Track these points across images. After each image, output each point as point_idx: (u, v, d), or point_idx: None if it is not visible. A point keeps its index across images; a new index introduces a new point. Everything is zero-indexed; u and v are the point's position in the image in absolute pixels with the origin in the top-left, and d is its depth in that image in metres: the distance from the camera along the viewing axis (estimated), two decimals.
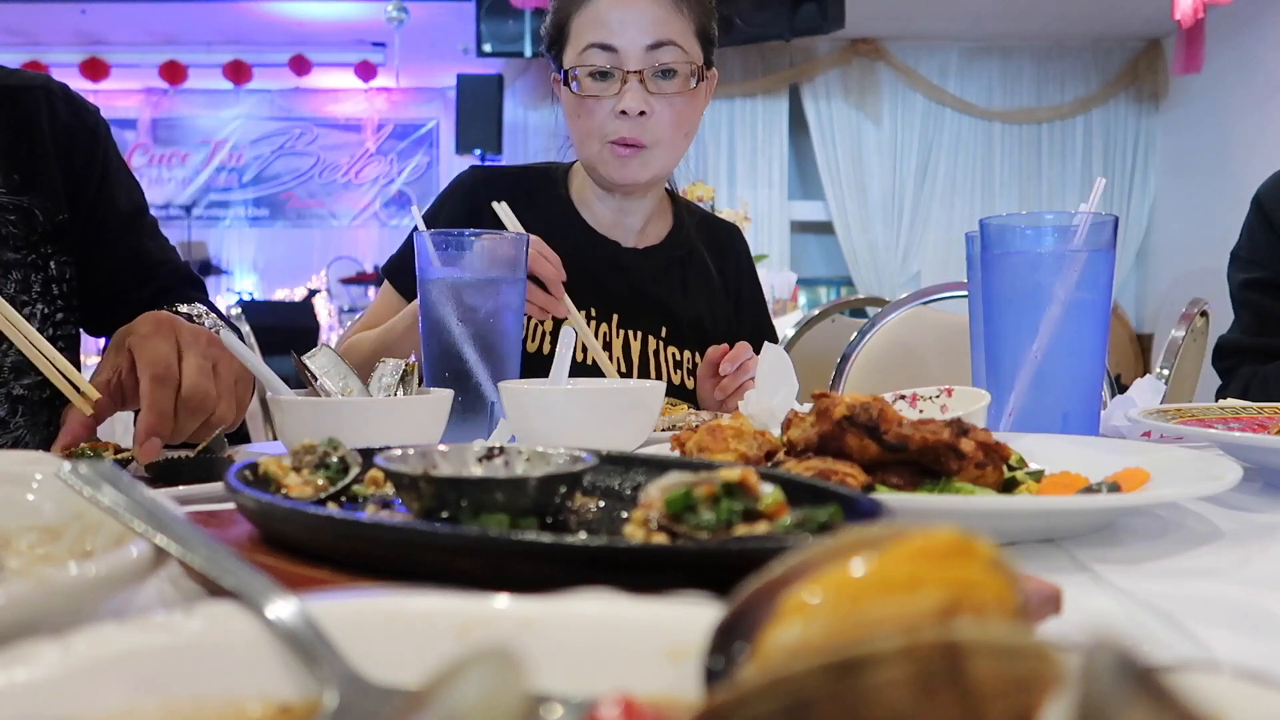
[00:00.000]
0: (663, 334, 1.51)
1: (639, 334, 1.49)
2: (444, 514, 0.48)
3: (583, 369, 1.44)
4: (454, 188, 1.56)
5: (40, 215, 1.21)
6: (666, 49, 1.37)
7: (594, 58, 1.37)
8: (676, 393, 1.49)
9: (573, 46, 1.40)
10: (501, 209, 1.26)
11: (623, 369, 1.46)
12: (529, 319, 1.40)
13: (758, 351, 1.65)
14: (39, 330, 1.19)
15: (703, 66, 1.43)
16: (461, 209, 1.51)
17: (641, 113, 1.38)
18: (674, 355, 1.51)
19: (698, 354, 1.53)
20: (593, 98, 1.39)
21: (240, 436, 1.29)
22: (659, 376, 1.48)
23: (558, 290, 1.24)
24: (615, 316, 1.49)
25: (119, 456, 0.86)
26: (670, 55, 1.37)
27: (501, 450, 0.54)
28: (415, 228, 1.14)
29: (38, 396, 1.20)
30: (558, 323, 1.44)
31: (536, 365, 1.35)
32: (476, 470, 0.53)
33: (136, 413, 0.98)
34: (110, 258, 1.28)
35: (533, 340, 1.45)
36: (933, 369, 1.88)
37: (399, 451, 0.52)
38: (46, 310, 1.22)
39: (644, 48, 1.36)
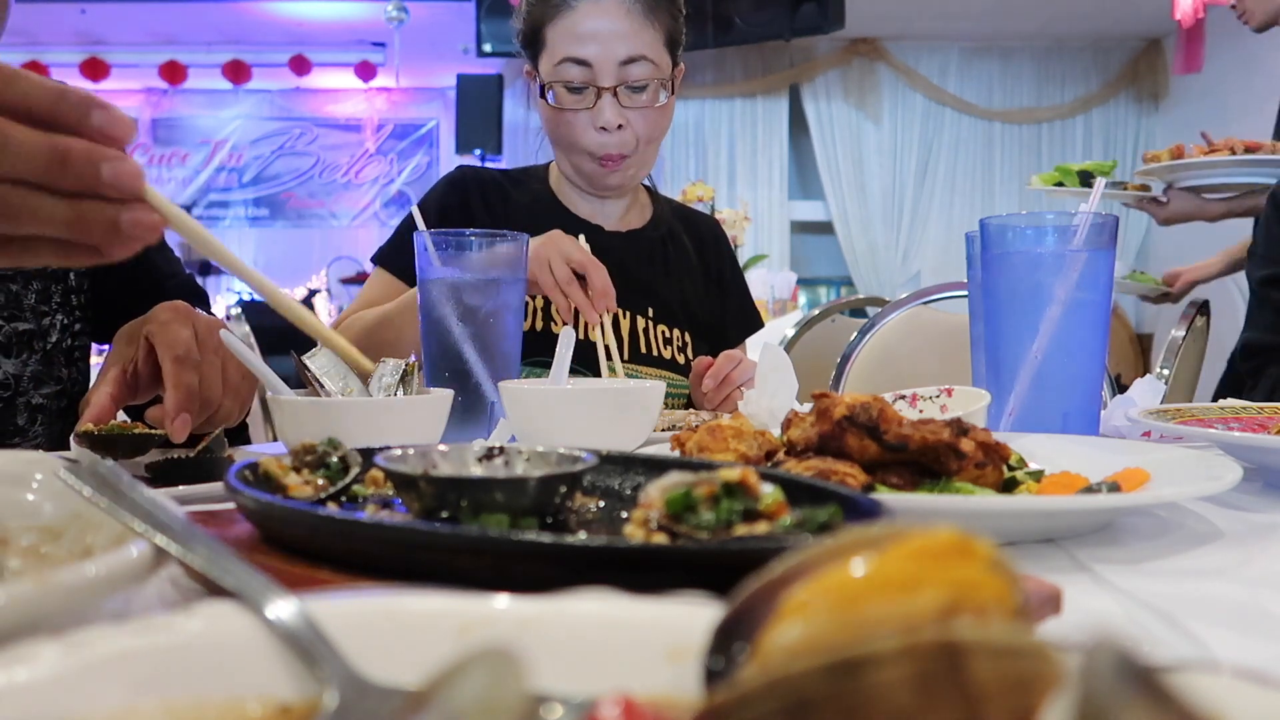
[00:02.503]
0: (650, 313, 1.55)
1: (627, 313, 1.53)
2: (444, 514, 0.48)
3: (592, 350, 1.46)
4: (444, 182, 1.61)
5: None
6: (639, 64, 1.42)
7: (569, 72, 1.42)
8: (669, 368, 1.54)
9: (548, 56, 1.44)
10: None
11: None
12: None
13: (743, 337, 1.68)
14: (59, 340, 1.21)
15: (672, 76, 1.48)
16: (450, 198, 1.55)
17: (619, 125, 1.44)
18: (663, 333, 1.56)
19: (687, 332, 1.58)
20: (570, 110, 1.44)
21: (240, 436, 1.29)
22: (649, 353, 1.52)
23: (598, 303, 1.23)
24: None
25: (150, 432, 0.87)
26: (642, 71, 1.42)
27: (501, 450, 0.54)
28: (408, 221, 1.14)
29: (56, 406, 1.21)
30: (548, 303, 1.45)
31: (529, 344, 1.35)
32: (476, 470, 0.53)
33: (139, 407, 0.98)
34: (120, 269, 1.29)
35: (525, 319, 1.47)
36: (933, 369, 1.88)
37: (399, 451, 0.52)
38: (65, 320, 1.23)
39: (617, 63, 1.41)
